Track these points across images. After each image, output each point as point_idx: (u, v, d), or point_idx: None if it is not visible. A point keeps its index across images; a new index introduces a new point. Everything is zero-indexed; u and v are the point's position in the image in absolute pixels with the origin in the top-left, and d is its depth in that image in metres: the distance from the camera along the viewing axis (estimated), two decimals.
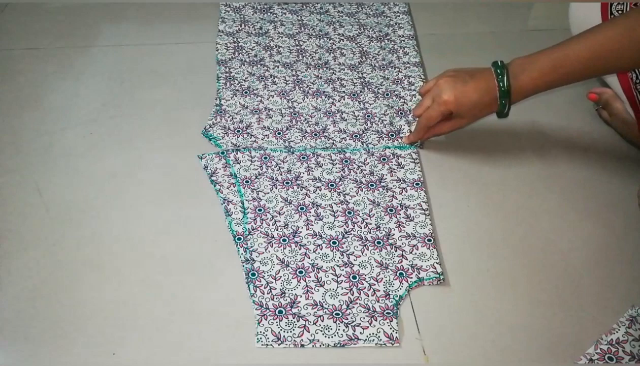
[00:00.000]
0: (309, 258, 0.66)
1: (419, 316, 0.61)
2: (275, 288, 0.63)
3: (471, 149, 0.80)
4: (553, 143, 0.82)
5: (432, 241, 0.67)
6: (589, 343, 0.58)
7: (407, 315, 0.61)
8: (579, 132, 0.84)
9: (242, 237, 0.68)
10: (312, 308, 0.61)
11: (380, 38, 0.99)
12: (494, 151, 0.81)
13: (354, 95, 0.88)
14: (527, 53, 0.70)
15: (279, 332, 0.59)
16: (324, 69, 0.93)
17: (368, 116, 0.84)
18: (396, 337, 0.58)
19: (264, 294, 0.62)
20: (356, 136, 0.81)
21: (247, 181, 0.74)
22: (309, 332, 0.59)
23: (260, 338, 0.58)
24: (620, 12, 0.70)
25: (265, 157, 0.77)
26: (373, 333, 0.59)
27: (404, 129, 0.81)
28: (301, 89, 0.89)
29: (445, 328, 0.60)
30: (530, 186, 0.76)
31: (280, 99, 0.87)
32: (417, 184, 0.74)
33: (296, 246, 0.67)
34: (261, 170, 0.75)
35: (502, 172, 0.77)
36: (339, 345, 0.58)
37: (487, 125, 0.83)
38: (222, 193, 0.73)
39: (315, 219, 0.70)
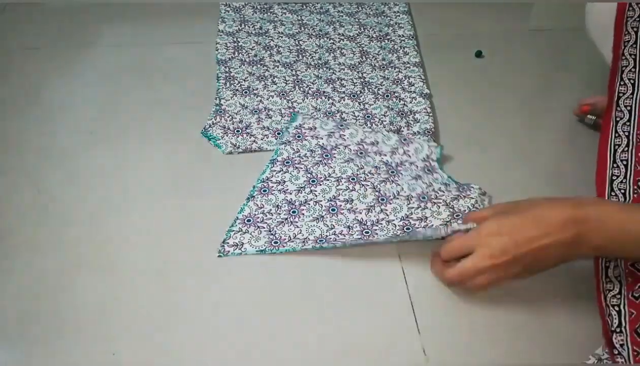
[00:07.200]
0: None
1: (419, 316, 0.61)
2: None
3: None
4: None
5: None
6: (597, 342, 0.58)
7: (407, 315, 0.61)
8: None
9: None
10: None
11: (380, 38, 0.99)
12: None
13: (353, 96, 0.88)
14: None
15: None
16: (324, 69, 0.93)
17: (368, 117, 0.84)
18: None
19: None
20: None
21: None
22: None
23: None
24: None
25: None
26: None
27: (402, 130, 0.81)
28: (301, 89, 0.89)
29: (445, 328, 0.60)
30: None
31: (280, 99, 0.87)
32: None
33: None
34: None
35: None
36: None
37: None
38: None
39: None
